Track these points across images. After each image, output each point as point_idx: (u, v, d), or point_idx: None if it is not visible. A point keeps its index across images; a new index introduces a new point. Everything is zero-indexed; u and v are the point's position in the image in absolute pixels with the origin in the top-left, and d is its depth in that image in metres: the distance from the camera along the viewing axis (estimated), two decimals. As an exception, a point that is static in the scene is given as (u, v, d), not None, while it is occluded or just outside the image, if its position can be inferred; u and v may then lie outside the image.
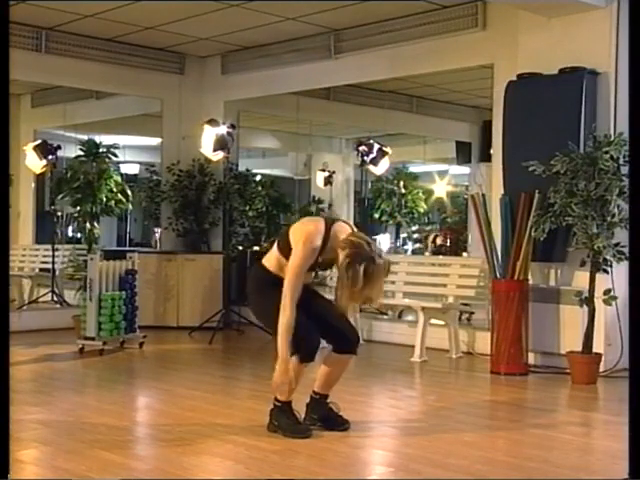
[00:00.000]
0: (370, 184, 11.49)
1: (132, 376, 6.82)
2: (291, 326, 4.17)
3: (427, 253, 10.97)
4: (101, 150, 8.45)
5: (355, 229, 4.38)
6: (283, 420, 4.39)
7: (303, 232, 4.27)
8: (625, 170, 5.87)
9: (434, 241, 11.22)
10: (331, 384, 4.58)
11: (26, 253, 10.60)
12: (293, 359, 4.27)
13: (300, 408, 4.52)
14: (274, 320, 4.22)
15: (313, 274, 4.42)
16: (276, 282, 4.29)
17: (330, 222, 4.32)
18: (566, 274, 6.56)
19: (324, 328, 4.38)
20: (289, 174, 11.86)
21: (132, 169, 11.13)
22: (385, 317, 8.88)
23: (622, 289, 5.88)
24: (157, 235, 10.50)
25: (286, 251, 4.30)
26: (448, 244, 11.12)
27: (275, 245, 4.45)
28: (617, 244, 5.94)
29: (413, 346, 7.12)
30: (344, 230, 4.29)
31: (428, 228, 11.84)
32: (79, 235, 9.16)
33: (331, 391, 4.59)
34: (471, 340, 7.45)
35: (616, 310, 6.08)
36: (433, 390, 6.10)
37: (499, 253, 6.62)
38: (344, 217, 9.93)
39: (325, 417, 4.53)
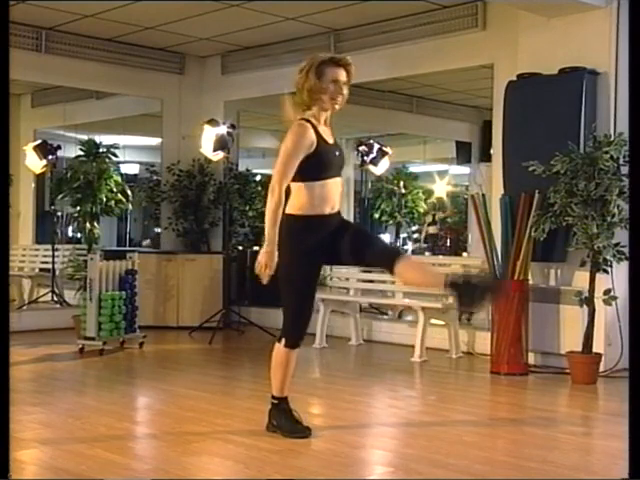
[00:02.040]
0: (370, 184, 11.49)
1: (132, 376, 6.81)
2: (278, 209, 4.09)
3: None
4: (101, 150, 8.43)
5: None
6: (282, 421, 4.38)
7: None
8: (625, 170, 5.87)
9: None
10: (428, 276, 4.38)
11: (26, 253, 10.60)
12: (281, 347, 4.27)
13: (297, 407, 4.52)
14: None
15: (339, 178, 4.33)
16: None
17: None
18: (566, 274, 6.56)
19: (363, 255, 4.27)
20: (289, 174, 11.82)
21: (132, 169, 11.13)
22: (385, 317, 8.88)
23: (622, 289, 5.88)
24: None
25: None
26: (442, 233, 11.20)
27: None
28: (617, 244, 5.94)
29: (413, 346, 7.11)
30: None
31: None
32: (79, 235, 9.15)
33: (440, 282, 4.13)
34: (471, 340, 7.45)
35: (616, 310, 6.08)
36: (433, 390, 6.10)
37: (499, 253, 6.62)
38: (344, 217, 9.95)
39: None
